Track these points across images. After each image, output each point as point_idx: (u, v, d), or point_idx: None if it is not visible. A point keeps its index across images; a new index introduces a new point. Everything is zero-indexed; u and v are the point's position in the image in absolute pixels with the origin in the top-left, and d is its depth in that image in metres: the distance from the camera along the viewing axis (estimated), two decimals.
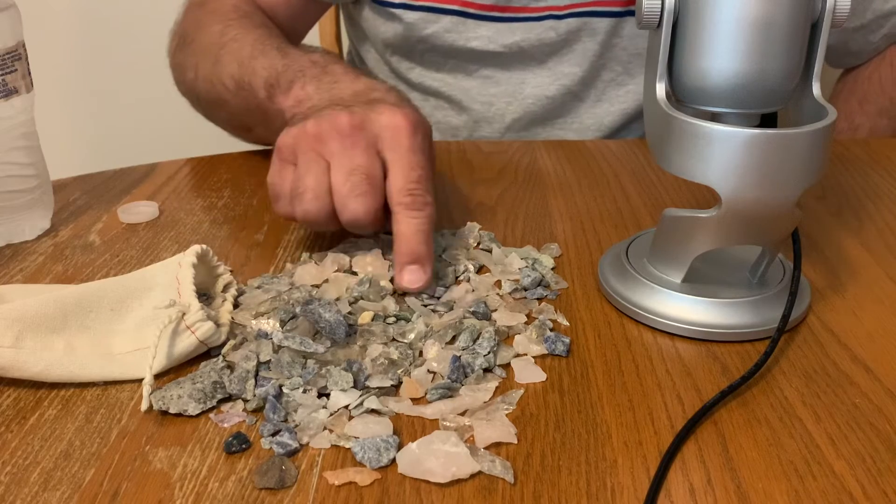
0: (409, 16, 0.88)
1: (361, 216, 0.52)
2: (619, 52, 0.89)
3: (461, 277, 0.55)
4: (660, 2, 0.46)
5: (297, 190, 0.53)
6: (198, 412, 0.42)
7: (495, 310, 0.51)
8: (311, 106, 0.59)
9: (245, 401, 0.43)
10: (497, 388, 0.44)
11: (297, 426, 0.41)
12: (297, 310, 0.49)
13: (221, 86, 0.72)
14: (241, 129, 0.78)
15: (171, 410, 0.42)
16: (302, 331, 0.47)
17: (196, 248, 0.50)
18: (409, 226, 0.52)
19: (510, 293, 0.53)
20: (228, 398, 0.44)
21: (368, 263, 0.56)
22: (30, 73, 0.60)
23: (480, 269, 0.57)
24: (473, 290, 0.53)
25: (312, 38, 1.17)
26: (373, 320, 0.49)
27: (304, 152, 0.53)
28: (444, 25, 0.88)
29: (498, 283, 0.55)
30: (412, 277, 0.51)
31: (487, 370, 0.46)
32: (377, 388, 0.44)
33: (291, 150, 0.54)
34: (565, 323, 0.51)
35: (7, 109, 0.58)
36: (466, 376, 0.45)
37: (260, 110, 0.67)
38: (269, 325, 0.48)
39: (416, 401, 0.43)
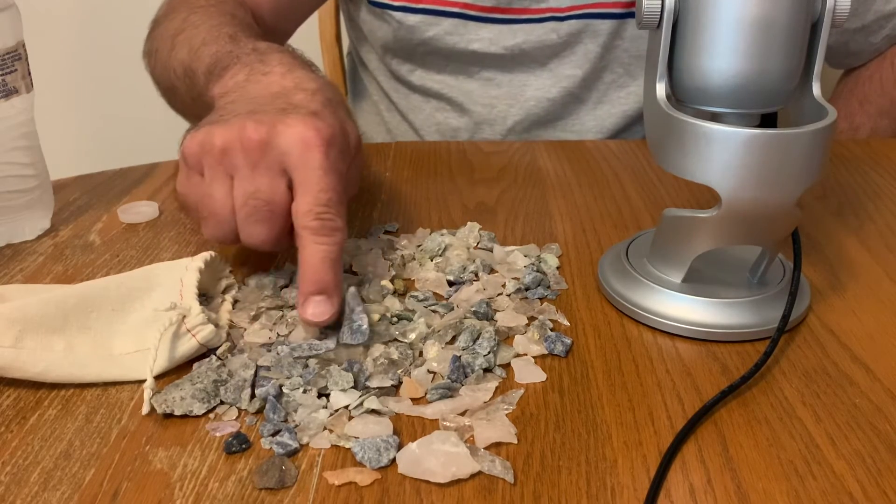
0: (409, 19, 0.88)
1: (259, 244, 0.50)
2: (620, 53, 0.89)
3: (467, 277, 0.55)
4: (660, 2, 0.46)
5: (202, 213, 0.50)
6: (203, 411, 0.42)
7: (502, 310, 0.51)
8: (229, 101, 0.55)
9: (240, 410, 0.43)
10: (497, 388, 0.44)
11: (297, 426, 0.41)
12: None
13: (173, 73, 0.69)
14: (194, 118, 0.74)
15: (177, 412, 0.42)
16: (300, 332, 0.47)
17: (206, 255, 0.50)
18: (315, 252, 0.47)
19: (514, 293, 0.53)
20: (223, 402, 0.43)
21: (368, 263, 0.56)
22: (30, 73, 0.60)
23: (491, 271, 0.56)
24: (484, 290, 0.53)
25: (313, 38, 1.18)
26: (378, 321, 0.49)
27: (210, 166, 0.49)
28: (445, 28, 0.88)
29: (505, 284, 0.54)
30: (317, 310, 0.46)
31: (487, 370, 0.46)
32: (377, 388, 0.44)
33: (197, 159, 0.50)
34: (566, 323, 0.51)
35: (7, 109, 0.58)
36: (466, 376, 0.45)
37: (202, 99, 0.62)
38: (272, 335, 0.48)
39: (416, 401, 0.43)
